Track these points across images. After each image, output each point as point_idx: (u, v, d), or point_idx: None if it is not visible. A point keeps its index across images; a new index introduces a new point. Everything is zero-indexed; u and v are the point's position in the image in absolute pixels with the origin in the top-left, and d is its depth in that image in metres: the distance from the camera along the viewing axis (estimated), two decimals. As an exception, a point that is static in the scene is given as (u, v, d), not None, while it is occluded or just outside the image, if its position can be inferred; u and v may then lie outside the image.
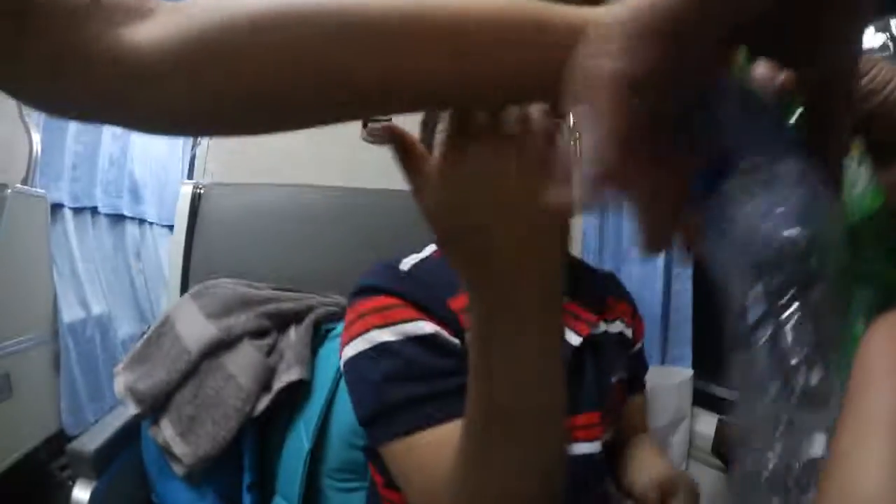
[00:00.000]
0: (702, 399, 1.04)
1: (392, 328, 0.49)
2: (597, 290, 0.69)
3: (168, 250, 3.05)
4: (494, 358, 0.32)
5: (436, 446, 0.41)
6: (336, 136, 1.28)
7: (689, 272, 1.03)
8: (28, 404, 1.73)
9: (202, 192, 1.17)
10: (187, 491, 0.89)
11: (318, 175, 1.25)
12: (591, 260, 1.17)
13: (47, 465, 1.93)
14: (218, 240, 1.16)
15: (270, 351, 0.90)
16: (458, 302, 0.51)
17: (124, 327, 2.28)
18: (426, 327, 0.49)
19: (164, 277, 2.80)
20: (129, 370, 0.89)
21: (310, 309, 0.97)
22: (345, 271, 1.12)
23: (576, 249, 1.29)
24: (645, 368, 0.83)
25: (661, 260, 1.04)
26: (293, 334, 0.93)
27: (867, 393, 0.18)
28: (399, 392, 0.45)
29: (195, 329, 0.88)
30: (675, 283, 1.05)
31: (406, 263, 0.59)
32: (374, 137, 0.31)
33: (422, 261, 0.60)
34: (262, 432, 0.90)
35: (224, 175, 1.24)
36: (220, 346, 0.86)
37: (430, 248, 0.62)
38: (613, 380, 0.66)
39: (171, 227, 3.01)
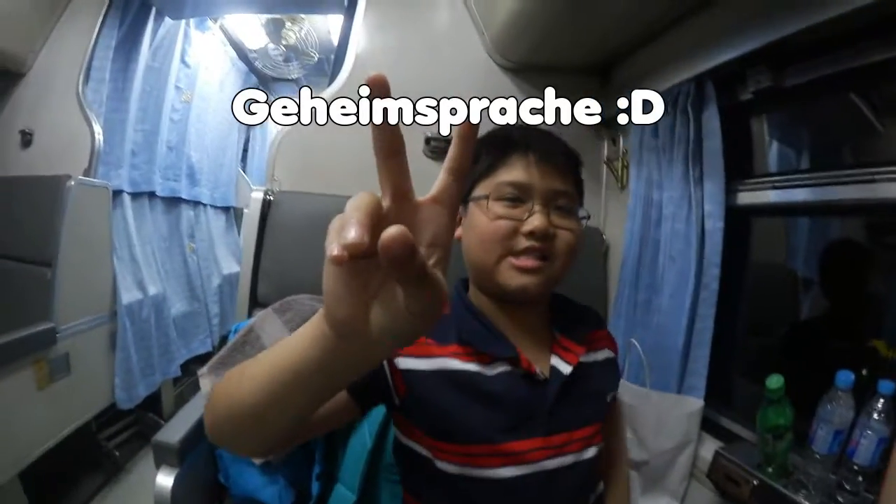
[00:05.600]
0: (709, 427, 1.13)
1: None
2: (582, 324, 0.82)
3: (220, 231, 3.13)
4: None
5: None
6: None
7: (712, 311, 1.09)
8: (83, 381, 1.81)
9: (272, 198, 1.28)
10: (260, 476, 1.03)
11: (375, 188, 1.35)
12: (627, 289, 1.26)
13: (97, 436, 2.04)
14: (286, 242, 1.27)
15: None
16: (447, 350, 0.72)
17: (177, 305, 2.36)
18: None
19: (215, 257, 2.88)
20: (214, 374, 1.00)
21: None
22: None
23: (613, 279, 1.38)
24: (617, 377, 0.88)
25: (689, 297, 1.10)
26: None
27: None
28: None
29: (280, 342, 0.99)
30: (698, 320, 1.10)
31: None
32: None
33: None
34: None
35: (290, 185, 1.33)
36: (302, 359, 0.98)
37: None
38: (609, 398, 0.81)
39: (224, 209, 3.12)
